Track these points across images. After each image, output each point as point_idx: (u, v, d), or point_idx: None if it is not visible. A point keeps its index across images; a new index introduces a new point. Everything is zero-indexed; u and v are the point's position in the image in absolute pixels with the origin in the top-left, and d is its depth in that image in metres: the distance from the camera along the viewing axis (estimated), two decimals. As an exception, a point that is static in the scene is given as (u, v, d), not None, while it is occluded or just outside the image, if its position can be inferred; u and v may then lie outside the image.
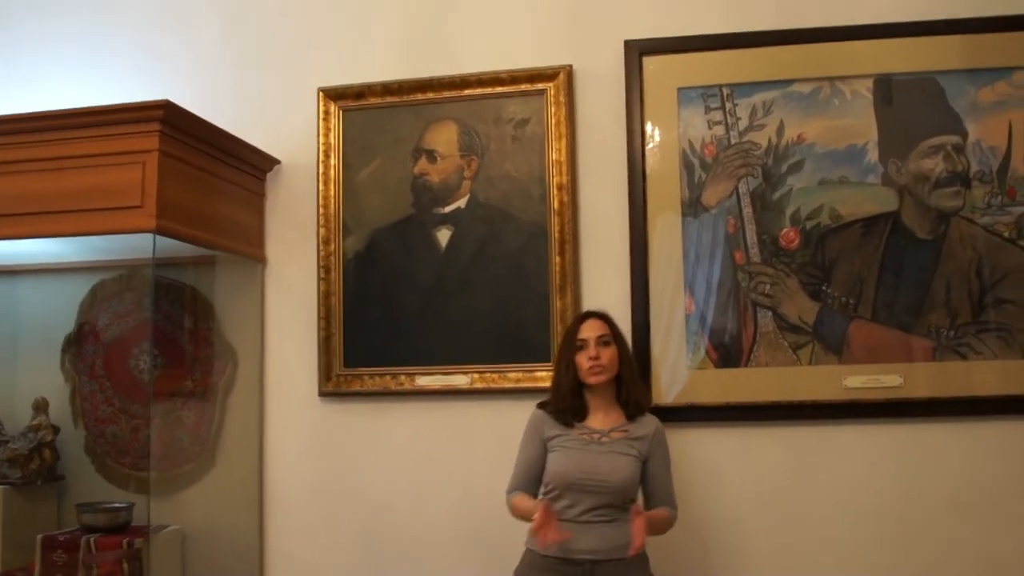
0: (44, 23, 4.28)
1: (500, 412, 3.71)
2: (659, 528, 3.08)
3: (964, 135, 3.53)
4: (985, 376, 3.46)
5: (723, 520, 3.58)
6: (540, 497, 3.12)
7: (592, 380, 3.11)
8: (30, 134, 3.36)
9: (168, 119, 3.31)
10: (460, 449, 3.78)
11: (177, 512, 3.89)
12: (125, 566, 3.57)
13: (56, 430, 4.00)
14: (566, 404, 3.15)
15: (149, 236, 3.33)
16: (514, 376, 3.73)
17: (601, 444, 3.08)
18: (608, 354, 3.12)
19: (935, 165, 3.54)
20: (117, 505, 3.83)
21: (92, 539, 3.62)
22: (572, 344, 3.18)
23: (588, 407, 3.16)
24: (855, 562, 3.49)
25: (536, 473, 3.14)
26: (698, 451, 3.57)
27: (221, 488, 3.94)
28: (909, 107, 3.57)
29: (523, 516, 3.06)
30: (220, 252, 3.83)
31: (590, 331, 3.16)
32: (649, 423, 3.16)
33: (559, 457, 3.08)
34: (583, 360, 3.12)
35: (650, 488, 3.13)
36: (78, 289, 4.16)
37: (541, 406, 3.23)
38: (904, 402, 3.49)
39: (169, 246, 3.46)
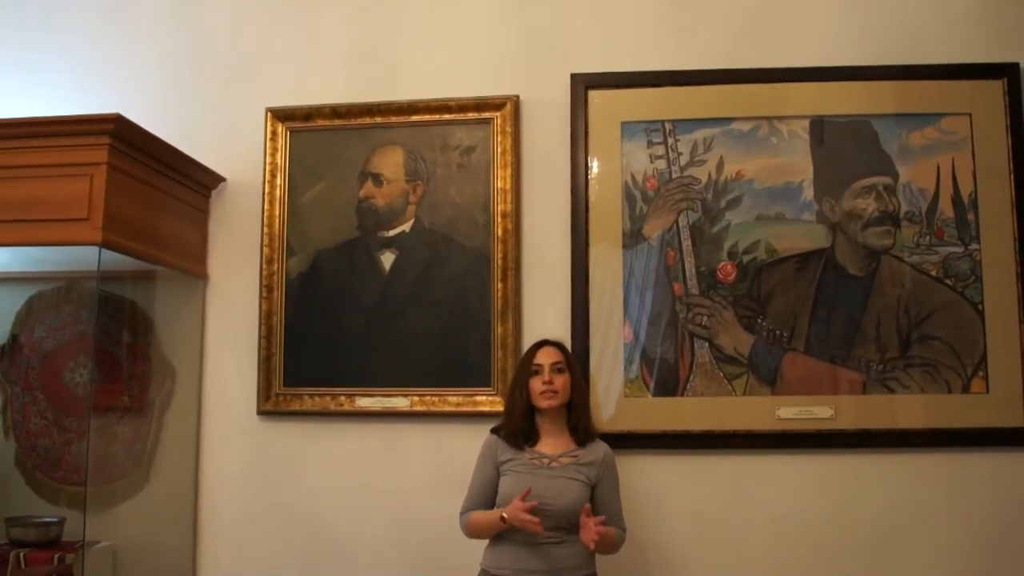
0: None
1: (439, 435, 3.76)
2: (608, 547, 3.16)
3: (895, 177, 3.67)
4: (911, 409, 3.58)
5: (660, 543, 3.63)
6: None
7: (544, 404, 3.19)
8: (-21, 141, 3.33)
9: (118, 133, 3.31)
10: (398, 471, 3.79)
11: (109, 528, 3.82)
12: (55, 582, 3.53)
13: (-14, 442, 3.95)
14: (517, 427, 3.22)
15: (89, 249, 3.31)
16: (454, 400, 3.75)
17: (550, 468, 3.15)
18: (561, 380, 3.21)
19: (867, 205, 3.66)
20: (48, 519, 3.77)
21: (22, 554, 3.56)
22: (527, 369, 3.26)
23: (539, 432, 3.24)
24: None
25: (489, 495, 3.21)
26: (633, 477, 3.60)
27: (155, 505, 3.89)
28: (843, 148, 3.71)
29: (485, 529, 3.15)
30: (162, 267, 3.81)
31: (545, 357, 3.24)
32: (598, 449, 3.23)
33: (509, 480, 3.15)
34: (537, 384, 3.21)
35: (598, 511, 3.17)
36: (14, 300, 4.10)
37: (495, 431, 3.30)
38: (834, 433, 3.59)
39: (110, 259, 3.43)
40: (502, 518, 3.03)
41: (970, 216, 3.64)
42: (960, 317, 3.60)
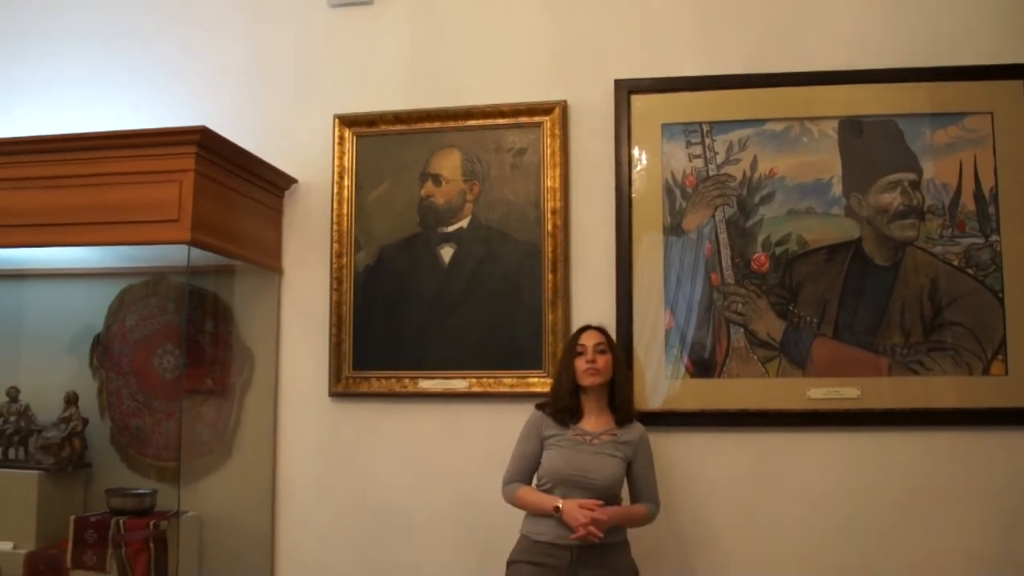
0: (84, 51, 4.60)
1: (495, 414, 4.01)
2: (635, 521, 3.42)
3: (920, 173, 3.84)
4: (935, 390, 3.75)
5: (697, 514, 3.86)
6: (534, 487, 3.44)
7: (587, 381, 3.43)
8: (80, 152, 3.64)
9: (204, 142, 3.60)
10: (457, 447, 4.06)
11: (195, 500, 4.15)
12: (151, 545, 3.84)
13: (85, 421, 4.26)
14: (563, 404, 3.45)
15: (176, 246, 3.63)
16: (509, 381, 4.01)
17: (592, 445, 3.40)
18: (604, 360, 3.45)
19: (893, 199, 3.84)
20: (142, 491, 4.09)
21: (121, 521, 3.88)
22: (572, 350, 3.50)
23: (583, 409, 3.47)
24: (813, 554, 3.78)
25: (532, 466, 3.46)
26: (675, 453, 3.85)
27: (236, 479, 4.21)
28: (870, 146, 3.88)
29: (533, 508, 3.39)
30: (240, 262, 4.12)
31: (589, 339, 3.49)
32: (635, 429, 3.47)
33: (553, 455, 3.40)
34: (581, 363, 3.44)
35: (634, 486, 3.46)
36: (107, 293, 4.42)
37: (540, 407, 3.54)
38: (862, 412, 3.78)
39: (194, 255, 3.74)
40: (556, 508, 3.27)
41: (991, 209, 3.79)
42: (981, 304, 3.76)
